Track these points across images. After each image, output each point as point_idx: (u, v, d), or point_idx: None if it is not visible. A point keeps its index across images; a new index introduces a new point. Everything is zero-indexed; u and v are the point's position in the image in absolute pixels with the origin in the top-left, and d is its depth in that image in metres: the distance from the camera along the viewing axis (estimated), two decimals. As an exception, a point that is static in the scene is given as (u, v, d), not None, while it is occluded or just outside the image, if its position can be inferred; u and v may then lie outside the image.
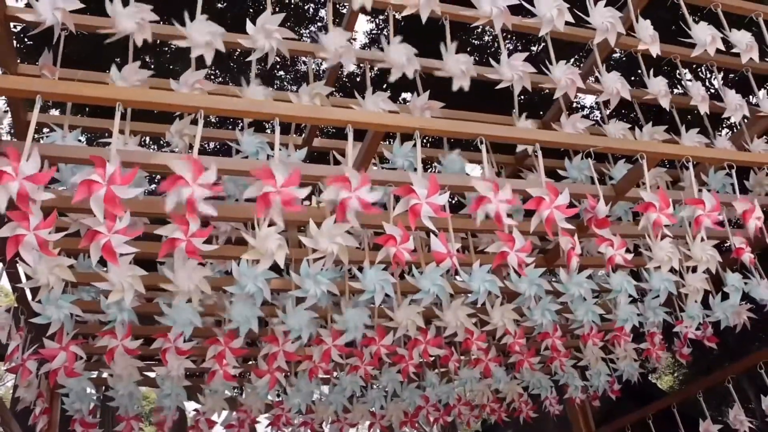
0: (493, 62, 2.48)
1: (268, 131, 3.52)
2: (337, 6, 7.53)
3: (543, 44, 7.17)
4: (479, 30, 7.25)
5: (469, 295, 2.46)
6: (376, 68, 2.66)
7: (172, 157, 2.04)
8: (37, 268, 2.09)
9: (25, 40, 5.49)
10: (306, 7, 7.39)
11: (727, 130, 6.09)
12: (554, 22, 2.30)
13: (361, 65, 2.67)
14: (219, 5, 6.77)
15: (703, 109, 2.82)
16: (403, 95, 6.50)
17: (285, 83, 7.85)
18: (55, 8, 2.02)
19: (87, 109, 5.07)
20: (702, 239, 2.51)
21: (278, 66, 7.61)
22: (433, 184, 2.05)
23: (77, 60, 2.27)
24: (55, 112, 5.47)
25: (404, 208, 2.02)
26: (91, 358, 3.31)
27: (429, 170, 4.12)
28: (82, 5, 2.07)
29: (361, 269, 2.38)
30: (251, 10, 7.22)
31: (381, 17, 7.66)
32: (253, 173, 1.89)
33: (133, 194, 1.76)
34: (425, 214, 2.02)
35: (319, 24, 8.01)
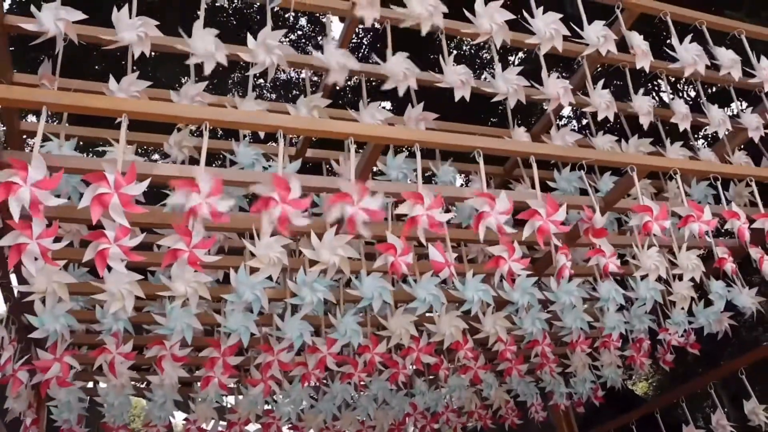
0: (488, 75, 2.53)
1: (247, 139, 3.52)
2: (317, 15, 7.60)
3: (519, 53, 7.29)
4: (457, 40, 7.32)
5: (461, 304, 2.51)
6: (355, 78, 2.67)
7: (174, 168, 2.06)
8: (36, 277, 2.10)
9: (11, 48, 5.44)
10: (286, 15, 7.40)
11: (703, 141, 6.23)
12: (553, 41, 2.37)
13: (357, 77, 2.69)
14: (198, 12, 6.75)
15: (685, 126, 2.90)
16: (383, 104, 6.54)
17: (264, 91, 7.85)
18: (57, 19, 2.03)
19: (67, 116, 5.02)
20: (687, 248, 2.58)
21: (257, 74, 7.59)
22: (438, 199, 2.09)
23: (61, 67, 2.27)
24: (33, 118, 5.42)
25: (409, 211, 2.04)
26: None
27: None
28: (85, 16, 2.08)
29: (357, 277, 2.41)
30: (233, 18, 7.23)
31: (361, 26, 7.69)
32: (255, 208, 1.89)
33: (143, 189, 1.79)
34: (422, 225, 2.05)
35: (299, 33, 8.02)
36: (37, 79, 2.35)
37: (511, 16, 2.38)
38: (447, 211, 2.54)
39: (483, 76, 6.76)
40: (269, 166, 2.67)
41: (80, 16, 2.07)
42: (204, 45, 2.12)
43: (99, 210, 1.74)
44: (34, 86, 2.38)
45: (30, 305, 2.33)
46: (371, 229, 1.95)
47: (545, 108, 3.22)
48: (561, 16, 2.46)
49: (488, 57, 7.57)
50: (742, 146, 3.29)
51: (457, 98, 2.45)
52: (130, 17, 2.12)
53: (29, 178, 1.69)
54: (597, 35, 2.55)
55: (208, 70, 2.18)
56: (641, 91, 2.89)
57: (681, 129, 2.89)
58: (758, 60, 2.93)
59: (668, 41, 2.84)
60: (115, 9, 2.11)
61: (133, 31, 2.13)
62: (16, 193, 1.66)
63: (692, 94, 6.75)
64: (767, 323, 7.49)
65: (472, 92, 2.53)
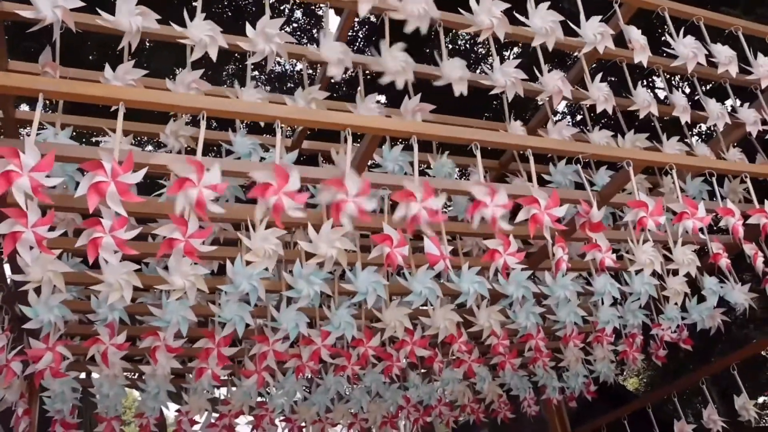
0: (485, 68, 2.53)
1: (243, 129, 3.52)
2: (313, 7, 7.56)
3: (514, 48, 7.29)
4: (452, 34, 7.31)
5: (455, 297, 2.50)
6: (351, 71, 2.66)
7: (172, 158, 2.05)
8: (31, 266, 2.08)
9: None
10: (282, 8, 7.38)
11: (697, 138, 6.25)
12: (548, 37, 2.37)
13: (354, 70, 2.68)
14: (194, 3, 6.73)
15: (685, 118, 2.90)
16: (378, 97, 6.52)
17: (259, 83, 7.82)
18: (55, 6, 2.01)
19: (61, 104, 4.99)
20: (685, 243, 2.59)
21: (252, 66, 7.56)
22: (427, 188, 2.08)
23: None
24: (25, 107, 5.39)
25: (403, 213, 2.03)
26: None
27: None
28: (82, 4, 2.06)
29: (351, 269, 2.40)
30: (228, 10, 7.20)
31: (356, 19, 7.68)
32: (252, 194, 1.88)
33: (140, 178, 1.78)
34: (423, 219, 2.04)
35: (295, 25, 8.00)
36: (39, 67, 2.33)
37: (507, 5, 2.37)
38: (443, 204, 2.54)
39: (478, 70, 6.76)
40: (265, 157, 2.66)
41: (78, 3, 2.05)
42: (202, 32, 2.11)
43: (96, 198, 1.73)
44: (30, 74, 2.36)
45: (24, 295, 2.31)
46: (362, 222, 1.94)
47: (540, 103, 3.22)
48: (559, 17, 2.45)
49: (483, 52, 7.57)
50: (736, 143, 3.30)
51: (456, 93, 2.42)
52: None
53: (25, 165, 1.67)
54: (594, 32, 2.55)
55: (212, 53, 2.16)
56: (639, 84, 2.89)
57: (683, 121, 2.89)
58: (755, 57, 2.94)
59: (662, 38, 2.84)
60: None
61: (133, 15, 2.12)
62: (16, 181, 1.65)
63: (687, 90, 6.77)
64: (758, 320, 7.54)
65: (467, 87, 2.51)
